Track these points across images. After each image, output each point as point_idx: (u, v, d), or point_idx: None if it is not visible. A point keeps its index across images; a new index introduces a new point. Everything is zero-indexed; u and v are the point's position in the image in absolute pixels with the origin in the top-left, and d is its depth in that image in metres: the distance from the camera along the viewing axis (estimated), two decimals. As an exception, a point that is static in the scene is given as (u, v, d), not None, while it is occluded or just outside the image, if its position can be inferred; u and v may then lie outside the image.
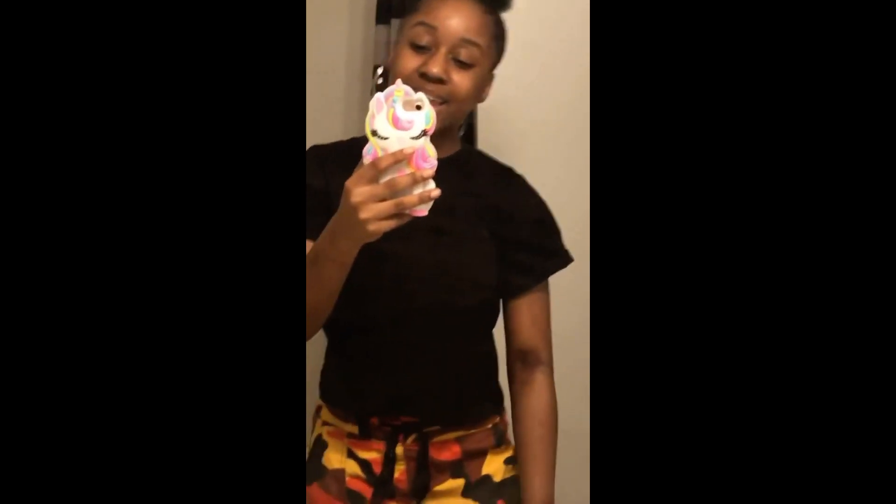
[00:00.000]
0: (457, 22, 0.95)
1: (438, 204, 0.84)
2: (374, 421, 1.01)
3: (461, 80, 0.95)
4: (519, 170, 1.10)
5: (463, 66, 0.96)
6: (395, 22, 1.54)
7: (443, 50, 0.94)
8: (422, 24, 0.95)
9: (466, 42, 0.95)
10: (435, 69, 0.93)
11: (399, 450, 1.01)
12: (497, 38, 1.00)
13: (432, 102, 0.86)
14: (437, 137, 0.92)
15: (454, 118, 0.99)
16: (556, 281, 1.09)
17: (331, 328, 1.04)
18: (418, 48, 0.95)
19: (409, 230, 0.86)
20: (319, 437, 1.06)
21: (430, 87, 0.92)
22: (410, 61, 0.94)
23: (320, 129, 1.78)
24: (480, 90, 1.00)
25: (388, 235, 0.84)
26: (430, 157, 0.81)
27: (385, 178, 0.80)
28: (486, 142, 1.37)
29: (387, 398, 1.01)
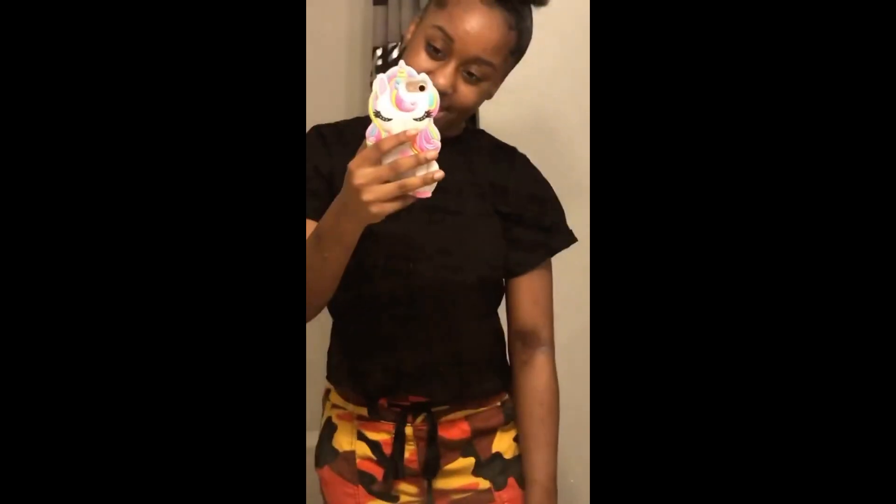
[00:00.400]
0: (475, 40, 0.91)
1: (444, 183, 0.83)
2: (383, 402, 1.01)
3: (467, 93, 0.94)
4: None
5: (472, 79, 0.93)
6: (392, 2, 1.53)
7: (454, 63, 0.92)
8: (441, 30, 0.92)
9: (480, 61, 0.92)
10: (442, 81, 0.91)
11: (408, 430, 1.02)
12: (515, 53, 0.97)
13: (439, 114, 0.85)
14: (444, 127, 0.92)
15: (454, 123, 0.98)
16: (557, 277, 1.09)
17: (336, 309, 1.04)
18: (434, 50, 0.92)
19: (414, 209, 0.85)
20: (329, 419, 1.06)
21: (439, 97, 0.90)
22: (422, 62, 0.91)
23: (321, 109, 1.77)
24: (486, 98, 0.98)
25: (392, 216, 0.83)
26: (433, 139, 0.81)
27: (388, 160, 0.79)
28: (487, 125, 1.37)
29: (394, 378, 1.01)
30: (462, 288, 1.00)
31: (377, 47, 1.55)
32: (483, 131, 1.11)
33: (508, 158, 1.06)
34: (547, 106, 1.47)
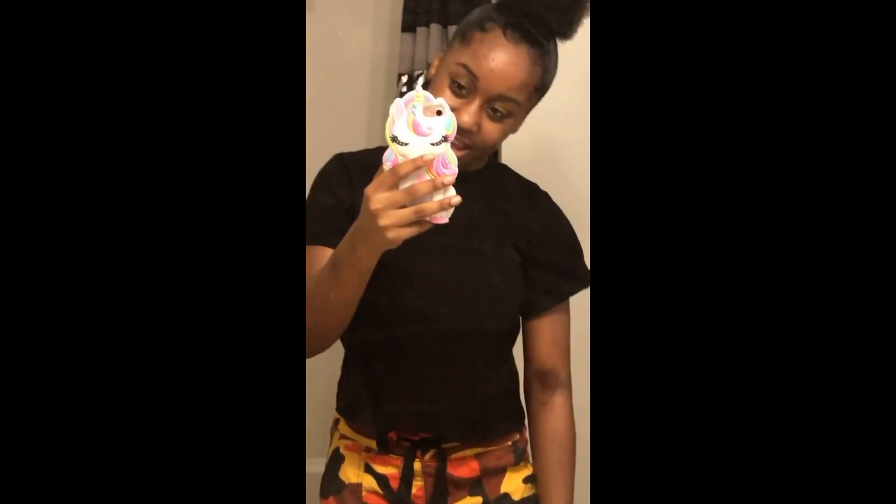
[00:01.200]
0: (500, 77, 0.92)
1: (468, 222, 0.81)
2: (393, 436, 1.00)
3: (491, 130, 0.93)
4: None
5: (497, 115, 0.93)
6: (420, 31, 1.55)
7: (478, 101, 0.92)
8: (465, 67, 0.92)
9: (507, 99, 0.93)
10: (466, 118, 0.91)
11: (417, 465, 1.00)
12: (541, 88, 0.97)
13: (456, 146, 0.85)
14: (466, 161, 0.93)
15: (477, 159, 0.98)
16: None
17: (351, 342, 1.04)
18: (458, 87, 0.92)
19: (438, 250, 0.83)
20: (337, 450, 1.06)
21: (458, 133, 0.88)
22: (447, 100, 0.88)
23: (343, 134, 1.77)
24: (510, 132, 0.98)
25: (417, 255, 0.82)
26: (450, 164, 0.81)
27: (405, 185, 0.80)
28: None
29: (406, 414, 1.00)
30: (480, 330, 1.01)
31: (402, 74, 1.57)
32: (506, 166, 1.11)
33: (531, 196, 1.06)
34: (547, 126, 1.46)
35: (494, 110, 0.93)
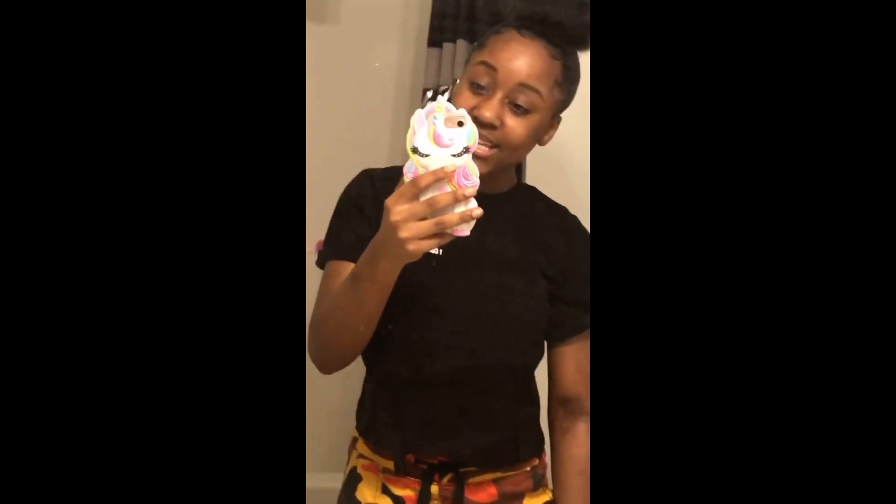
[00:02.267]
0: (518, 65, 0.93)
1: (500, 255, 0.87)
2: (411, 458, 1.00)
3: (515, 126, 0.93)
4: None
5: (520, 111, 0.94)
6: (447, 46, 1.56)
7: (499, 94, 0.93)
8: (483, 63, 0.94)
9: (525, 87, 0.93)
10: (487, 113, 0.91)
11: (434, 489, 1.00)
12: (563, 84, 0.98)
13: (482, 146, 0.86)
14: (493, 174, 0.94)
15: (506, 163, 0.98)
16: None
17: (379, 374, 1.04)
18: (478, 87, 0.94)
19: (470, 284, 0.85)
20: (354, 469, 1.06)
21: (483, 131, 0.90)
22: (468, 101, 0.92)
23: (368, 150, 1.76)
24: (538, 135, 0.98)
25: (449, 289, 0.81)
26: (471, 176, 0.81)
27: (426, 197, 0.80)
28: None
29: (425, 436, 1.00)
30: (509, 363, 1.02)
31: (427, 89, 1.57)
32: (534, 188, 1.11)
33: (559, 219, 1.07)
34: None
35: (517, 106, 0.93)
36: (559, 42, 0.96)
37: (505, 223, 0.98)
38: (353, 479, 1.05)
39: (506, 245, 1.00)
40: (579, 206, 1.13)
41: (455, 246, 0.86)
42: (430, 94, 1.54)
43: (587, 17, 0.95)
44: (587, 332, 1.04)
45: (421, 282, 0.95)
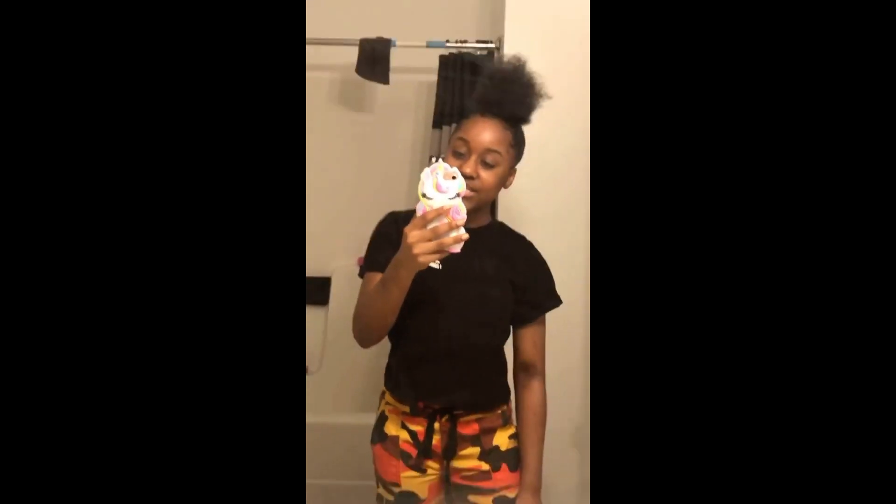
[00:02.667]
0: (484, 136, 1.00)
1: (481, 272, 0.91)
2: (421, 405, 1.05)
3: (487, 177, 1.00)
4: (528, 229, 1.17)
5: (488, 166, 1.00)
6: (445, 128, 1.63)
7: (474, 156, 0.99)
8: (460, 139, 1.01)
9: (490, 150, 1.00)
10: (468, 169, 0.98)
11: (436, 425, 1.05)
12: (515, 145, 1.05)
13: (468, 192, 0.91)
14: (474, 213, 1.01)
15: (483, 202, 1.05)
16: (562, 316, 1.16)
17: (402, 347, 1.08)
18: (458, 154, 1.01)
19: (462, 291, 0.93)
20: (383, 412, 1.10)
21: (467, 181, 0.96)
22: (453, 164, 0.98)
23: (391, 199, 1.83)
24: (502, 182, 1.05)
25: (449, 297, 0.92)
26: (462, 212, 0.86)
27: (431, 226, 0.86)
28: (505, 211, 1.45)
29: (430, 390, 1.05)
30: (488, 341, 1.06)
31: (432, 156, 1.70)
32: (502, 223, 1.17)
33: (519, 244, 1.12)
34: (553, 199, 1.51)
35: (486, 163, 1.00)
36: (508, 119, 1.03)
37: (484, 249, 1.02)
38: (382, 419, 1.10)
39: (486, 264, 1.05)
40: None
41: (452, 265, 0.91)
42: (433, 159, 1.64)
43: (531, 101, 1.03)
44: (540, 319, 1.10)
45: (429, 289, 1.00)
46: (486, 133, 1.01)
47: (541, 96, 1.05)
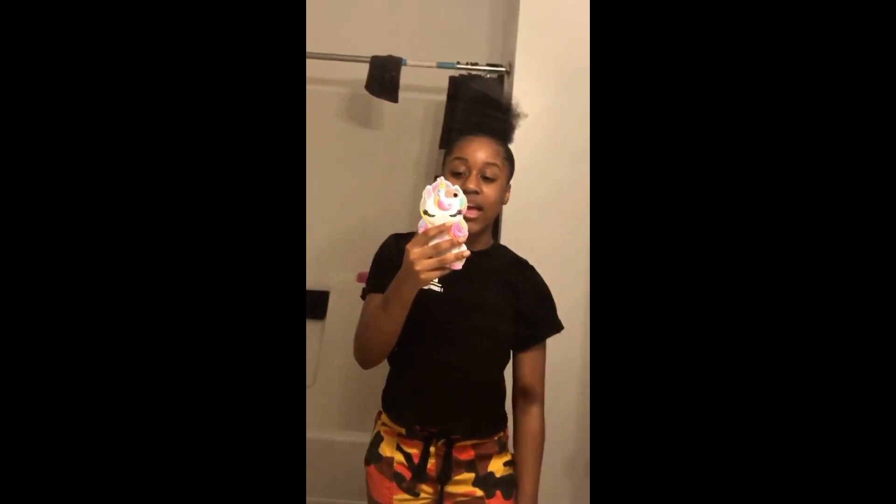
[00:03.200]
0: (480, 153, 1.01)
1: (485, 301, 0.90)
2: (417, 427, 1.04)
3: (489, 191, 1.01)
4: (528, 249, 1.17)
5: (489, 180, 1.02)
6: (450, 147, 1.70)
7: (474, 172, 1.00)
8: (458, 158, 1.02)
9: (488, 164, 1.01)
10: (472, 185, 0.99)
11: (432, 449, 1.04)
12: (508, 159, 1.07)
13: (470, 210, 0.92)
14: (478, 234, 1.01)
15: (488, 220, 1.05)
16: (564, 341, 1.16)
17: (393, 362, 1.07)
18: (456, 174, 1.01)
19: (467, 325, 0.93)
20: (378, 433, 1.09)
21: (469, 196, 0.97)
22: (454, 183, 0.98)
23: (393, 216, 1.87)
24: (502, 196, 1.06)
25: (453, 328, 0.91)
26: (463, 229, 0.85)
27: (432, 243, 0.85)
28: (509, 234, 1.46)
29: (427, 413, 1.04)
30: (487, 368, 1.05)
31: (437, 175, 1.72)
32: (505, 246, 1.16)
33: (521, 268, 1.11)
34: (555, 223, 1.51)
35: (486, 177, 1.01)
36: (496, 137, 1.06)
37: (486, 273, 1.01)
38: (377, 439, 1.08)
39: (489, 293, 1.03)
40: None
41: (455, 292, 0.91)
42: (440, 178, 1.70)
43: (511, 121, 1.06)
44: (540, 345, 1.08)
45: (432, 318, 0.98)
46: (481, 149, 1.03)
47: (517, 116, 1.07)
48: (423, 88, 1.84)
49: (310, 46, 1.70)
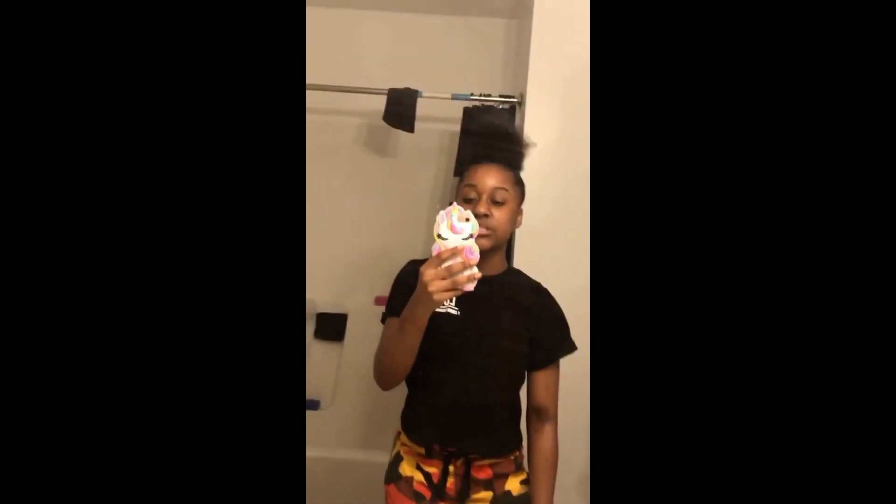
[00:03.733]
0: (489, 179, 1.03)
1: (498, 324, 0.92)
2: (436, 447, 1.05)
3: (499, 214, 1.03)
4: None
5: (498, 204, 1.03)
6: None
7: (484, 197, 1.02)
8: (468, 185, 1.04)
9: (498, 188, 1.03)
10: (482, 209, 1.01)
11: (451, 468, 1.05)
12: (518, 184, 1.09)
13: (482, 235, 0.94)
14: (491, 258, 1.03)
15: (499, 241, 1.07)
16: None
17: (412, 384, 1.09)
18: (468, 200, 1.03)
19: (483, 347, 0.94)
20: (398, 452, 1.10)
21: (480, 220, 0.99)
22: (465, 208, 0.99)
23: (409, 242, 1.90)
24: (513, 220, 1.08)
25: (470, 351, 0.93)
26: (475, 252, 0.87)
27: (445, 265, 0.87)
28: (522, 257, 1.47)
29: (446, 434, 1.05)
30: (502, 391, 1.06)
31: (451, 202, 1.75)
32: (519, 270, 1.18)
33: (536, 292, 1.12)
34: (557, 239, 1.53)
35: (496, 202, 1.03)
36: (506, 165, 1.07)
37: (502, 298, 1.02)
38: (397, 459, 1.09)
39: (504, 317, 1.05)
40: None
41: (471, 317, 0.93)
42: (454, 204, 1.73)
43: (520, 151, 1.08)
44: (554, 365, 1.09)
45: (447, 341, 1.00)
46: (490, 175, 1.05)
47: (526, 146, 1.09)
48: (438, 119, 1.88)
49: (330, 79, 1.78)
